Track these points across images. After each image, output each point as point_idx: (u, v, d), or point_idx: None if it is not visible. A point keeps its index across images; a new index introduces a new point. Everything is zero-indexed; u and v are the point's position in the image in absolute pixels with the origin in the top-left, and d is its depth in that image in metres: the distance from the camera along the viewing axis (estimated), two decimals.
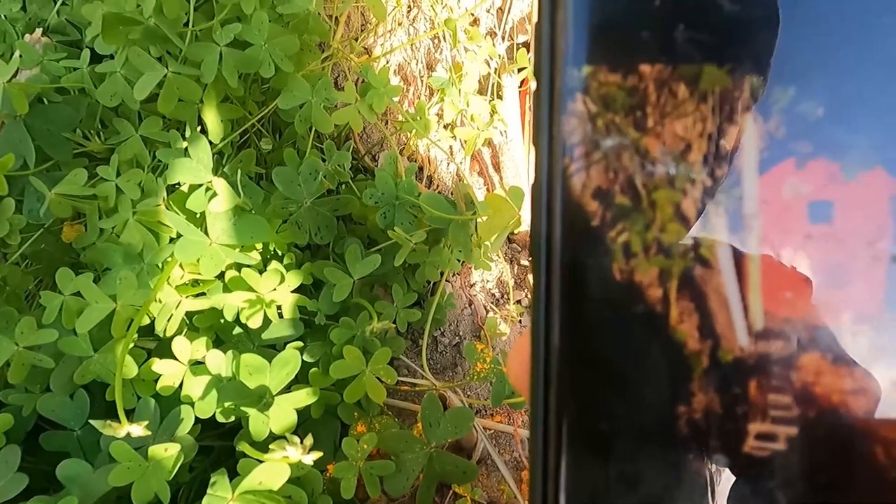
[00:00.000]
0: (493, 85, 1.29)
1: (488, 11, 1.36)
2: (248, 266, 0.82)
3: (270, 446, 0.67)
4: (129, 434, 0.66)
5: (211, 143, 0.83)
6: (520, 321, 1.23)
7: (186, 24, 0.82)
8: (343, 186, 0.97)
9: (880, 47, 0.24)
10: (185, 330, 0.82)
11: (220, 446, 0.85)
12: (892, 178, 0.24)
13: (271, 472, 0.68)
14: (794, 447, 0.24)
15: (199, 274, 0.80)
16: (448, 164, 1.27)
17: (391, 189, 0.91)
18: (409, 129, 1.10)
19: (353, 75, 1.14)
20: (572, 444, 0.25)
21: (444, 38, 1.28)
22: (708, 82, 0.25)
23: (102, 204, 0.81)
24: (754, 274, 0.25)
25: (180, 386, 0.77)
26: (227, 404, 0.75)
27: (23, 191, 0.84)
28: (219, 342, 0.85)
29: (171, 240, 0.81)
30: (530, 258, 0.26)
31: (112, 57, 0.85)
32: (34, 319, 0.75)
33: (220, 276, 0.82)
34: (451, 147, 1.26)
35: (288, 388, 0.77)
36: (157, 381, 0.76)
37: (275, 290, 0.83)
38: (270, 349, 0.85)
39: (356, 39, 1.16)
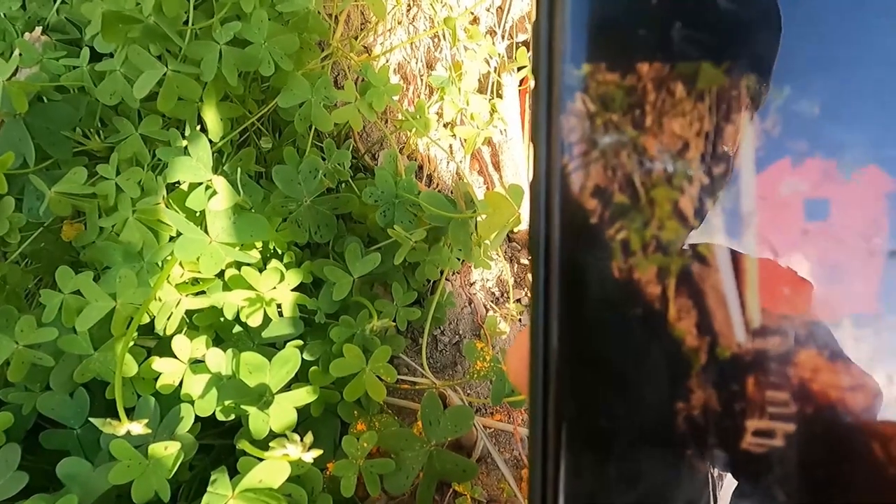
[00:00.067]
0: (492, 83, 1.29)
1: (488, 10, 1.36)
2: (248, 264, 0.82)
3: (270, 444, 0.67)
4: (129, 432, 0.66)
5: (211, 141, 0.83)
6: (519, 320, 1.23)
7: (186, 23, 0.82)
8: (343, 185, 0.97)
9: (876, 46, 0.24)
10: (185, 328, 0.83)
11: (221, 445, 0.85)
12: (886, 176, 0.24)
13: (271, 470, 0.68)
14: (791, 444, 0.24)
15: (199, 272, 0.80)
16: (448, 162, 1.27)
17: (391, 187, 0.91)
18: (408, 128, 1.10)
19: (352, 74, 1.14)
20: (572, 442, 0.25)
21: (444, 36, 1.28)
22: (705, 81, 0.25)
23: (102, 202, 0.81)
24: (752, 272, 0.25)
25: (180, 384, 0.77)
26: (226, 402, 0.75)
27: (22, 189, 0.84)
28: (219, 341, 0.85)
29: (171, 238, 0.82)
30: (529, 256, 0.27)
31: (111, 55, 0.85)
32: (34, 318, 0.75)
33: (220, 274, 0.82)
34: (450, 146, 1.26)
35: (288, 387, 0.77)
36: (156, 379, 0.77)
37: (275, 288, 0.83)
38: (270, 348, 0.85)
39: (356, 38, 1.16)
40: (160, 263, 0.80)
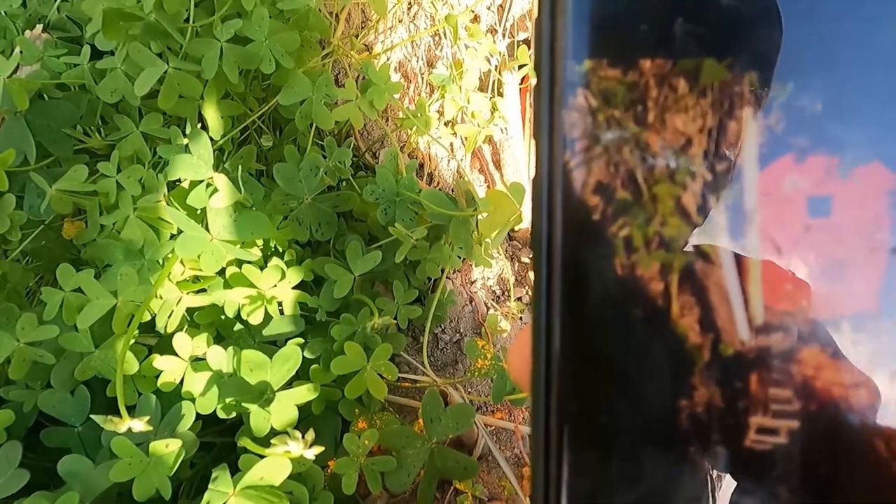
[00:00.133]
0: (493, 82, 1.29)
1: (489, 8, 1.36)
2: (249, 262, 0.82)
3: (272, 441, 0.67)
4: (130, 429, 0.66)
5: (211, 139, 0.83)
6: (520, 318, 1.23)
7: (187, 20, 0.82)
8: (344, 183, 0.97)
9: (880, 42, 0.24)
10: (186, 326, 0.83)
11: (221, 443, 0.85)
12: (889, 173, 0.24)
13: (273, 467, 0.68)
14: (795, 441, 0.24)
15: (200, 270, 0.80)
16: (449, 161, 1.27)
17: (392, 186, 0.91)
18: (409, 126, 1.10)
19: (353, 72, 1.14)
20: (574, 440, 0.25)
21: (445, 34, 1.28)
22: (708, 77, 0.25)
23: (103, 200, 0.81)
24: (754, 269, 0.25)
25: (181, 382, 0.77)
26: (228, 400, 0.75)
27: (23, 187, 0.84)
28: (219, 338, 0.85)
29: (172, 236, 0.82)
30: (531, 253, 0.27)
31: (112, 53, 0.85)
32: (35, 316, 0.75)
33: (221, 272, 0.82)
34: (451, 144, 1.26)
35: (289, 385, 0.77)
36: (157, 377, 0.77)
37: (275, 286, 0.83)
38: (271, 345, 0.85)
39: (356, 36, 1.16)
40: (161, 261, 0.80)
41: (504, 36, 1.35)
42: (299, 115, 0.89)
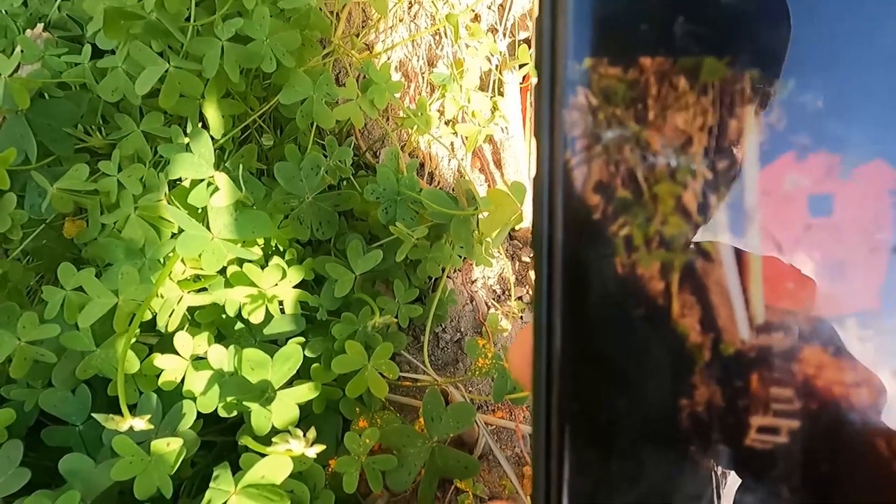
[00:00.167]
0: (494, 81, 1.29)
1: (489, 8, 1.36)
2: (250, 261, 0.82)
3: (273, 439, 0.67)
4: (131, 428, 0.67)
5: (212, 138, 0.83)
6: (521, 317, 1.23)
7: (188, 19, 0.82)
8: (344, 182, 0.97)
9: (880, 40, 0.24)
10: (187, 325, 0.83)
11: (222, 442, 0.85)
12: (891, 171, 0.24)
13: (274, 465, 0.68)
14: (795, 440, 0.24)
15: (201, 269, 0.80)
16: (449, 160, 1.27)
17: (393, 185, 0.92)
18: (410, 126, 1.10)
19: (354, 71, 1.14)
20: (575, 439, 0.25)
21: (446, 34, 1.28)
22: (708, 75, 0.25)
23: (104, 199, 0.81)
24: (756, 269, 0.25)
25: (182, 381, 0.77)
26: (229, 399, 0.75)
27: (24, 186, 0.84)
28: (220, 337, 0.85)
29: (173, 235, 0.82)
30: (532, 252, 0.26)
31: (113, 52, 0.85)
32: (36, 314, 0.75)
33: (222, 271, 0.82)
34: (452, 143, 1.26)
35: (290, 384, 0.77)
36: (158, 376, 0.77)
37: (276, 285, 0.83)
38: (272, 344, 0.85)
39: (357, 35, 1.16)
40: (162, 260, 0.81)
41: (505, 35, 1.35)
42: (300, 114, 0.89)
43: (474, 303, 1.21)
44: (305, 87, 0.88)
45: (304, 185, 0.86)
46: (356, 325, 0.86)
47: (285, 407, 0.75)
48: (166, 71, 0.80)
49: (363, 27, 1.21)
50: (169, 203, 0.80)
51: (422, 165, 1.23)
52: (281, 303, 0.85)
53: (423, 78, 1.28)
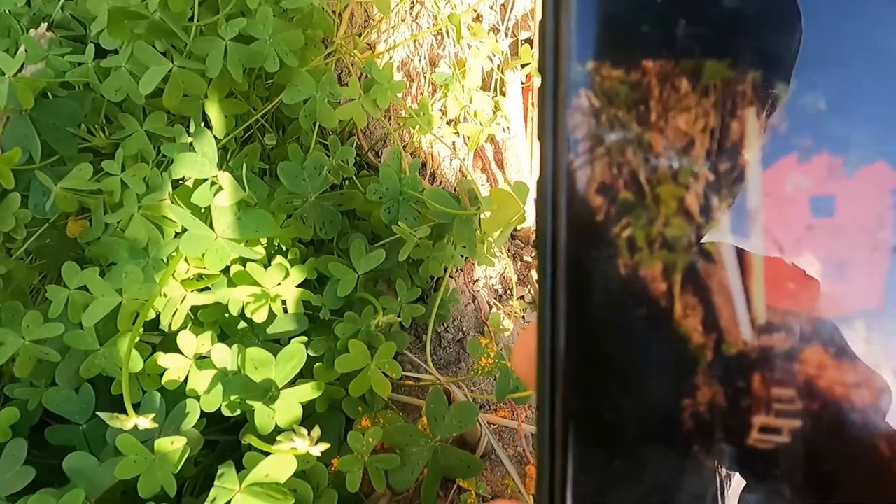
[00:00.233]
0: (496, 81, 1.29)
1: (491, 7, 1.36)
2: (253, 261, 0.82)
3: (278, 438, 0.67)
4: (135, 427, 0.67)
5: (215, 138, 0.83)
6: (523, 317, 1.24)
7: (191, 19, 0.82)
8: (347, 182, 0.97)
9: (883, 41, 0.24)
10: (190, 324, 0.83)
11: (225, 441, 0.85)
12: (893, 172, 0.24)
13: (278, 464, 0.68)
14: (797, 440, 0.24)
15: (205, 268, 0.80)
16: (451, 160, 1.27)
17: (395, 184, 0.92)
18: (412, 125, 1.10)
19: (356, 71, 1.14)
20: (579, 439, 0.25)
21: (448, 34, 1.28)
22: (711, 76, 0.25)
23: (108, 198, 0.82)
24: (758, 268, 0.25)
25: (185, 380, 0.77)
26: (232, 398, 0.75)
27: (28, 185, 0.84)
28: (223, 337, 0.85)
29: (176, 234, 0.82)
30: (536, 252, 0.27)
31: (117, 52, 0.85)
32: (40, 314, 0.75)
33: (225, 270, 0.82)
34: (454, 143, 1.26)
35: (293, 383, 0.77)
36: (162, 375, 0.77)
37: (279, 284, 0.83)
38: (274, 344, 0.85)
39: (359, 35, 1.16)
40: (165, 259, 0.81)
41: (507, 35, 1.35)
42: (303, 114, 0.89)
43: (476, 302, 1.21)
44: (308, 87, 0.89)
45: (308, 185, 0.87)
46: (359, 324, 0.86)
47: (289, 406, 0.75)
48: (170, 70, 0.81)
49: (365, 27, 1.21)
50: (172, 202, 0.80)
51: (424, 165, 1.23)
52: (284, 302, 0.85)
53: (425, 78, 1.28)
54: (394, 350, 0.84)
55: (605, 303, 0.26)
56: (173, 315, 0.78)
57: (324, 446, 0.67)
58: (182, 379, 0.77)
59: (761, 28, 0.25)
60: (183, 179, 0.82)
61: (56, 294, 0.76)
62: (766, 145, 0.25)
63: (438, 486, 0.85)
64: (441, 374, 1.07)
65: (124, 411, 0.68)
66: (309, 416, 0.83)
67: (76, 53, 0.90)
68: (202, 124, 0.85)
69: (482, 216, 0.92)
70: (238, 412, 0.76)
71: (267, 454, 0.69)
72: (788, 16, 0.24)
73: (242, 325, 0.86)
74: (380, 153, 1.21)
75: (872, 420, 0.24)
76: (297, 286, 0.85)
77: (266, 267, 0.83)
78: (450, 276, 1.14)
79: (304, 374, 0.81)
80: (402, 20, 1.26)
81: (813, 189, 0.24)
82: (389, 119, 1.21)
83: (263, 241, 0.87)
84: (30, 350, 0.74)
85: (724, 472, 0.25)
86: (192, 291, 0.80)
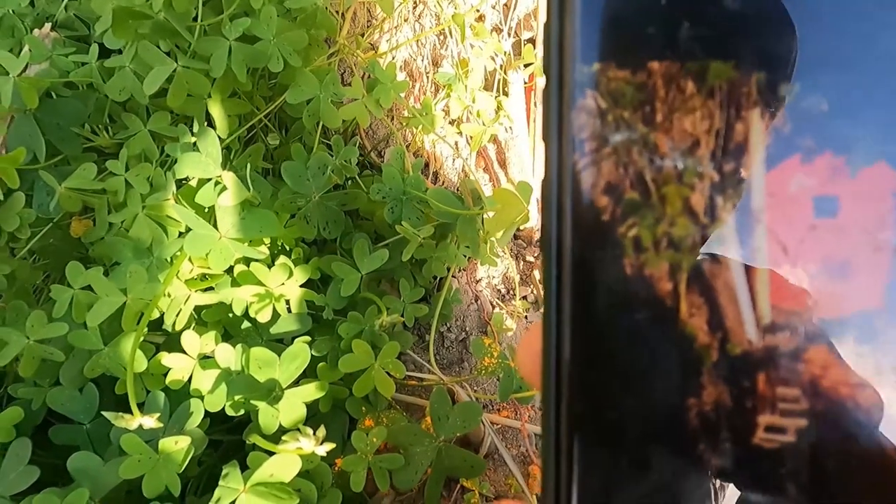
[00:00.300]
0: (498, 81, 1.29)
1: (494, 7, 1.36)
2: (257, 260, 0.82)
3: (283, 437, 0.67)
4: (140, 426, 0.67)
5: (218, 137, 0.83)
6: (525, 317, 1.24)
7: (195, 19, 0.82)
8: (350, 182, 0.97)
9: (885, 42, 0.24)
10: (194, 324, 0.83)
11: (229, 441, 0.85)
12: (895, 173, 0.24)
13: (283, 464, 0.68)
14: (802, 439, 0.25)
15: (208, 268, 0.80)
16: (454, 159, 1.27)
17: (399, 184, 0.92)
18: (415, 125, 1.10)
19: (359, 71, 1.14)
20: (585, 439, 0.26)
21: (451, 33, 1.28)
22: (716, 78, 0.25)
23: (112, 198, 0.82)
24: (761, 270, 0.25)
25: (189, 380, 0.77)
26: (236, 398, 0.75)
27: (32, 185, 0.84)
28: (227, 336, 0.85)
29: (180, 234, 0.82)
30: (541, 252, 0.27)
31: (120, 52, 0.85)
32: (44, 313, 0.75)
33: (229, 270, 0.82)
34: (456, 143, 1.26)
35: (296, 382, 0.77)
36: (166, 375, 0.77)
37: (283, 284, 0.83)
38: (278, 344, 0.85)
39: (362, 35, 1.16)
40: (169, 259, 0.81)
41: (509, 35, 1.35)
42: (307, 114, 0.89)
43: (479, 302, 1.21)
44: (312, 87, 0.89)
45: (311, 185, 0.87)
46: (362, 324, 0.86)
47: (292, 406, 0.75)
48: (174, 70, 0.81)
49: (368, 27, 1.21)
50: (176, 202, 0.80)
51: (426, 165, 1.23)
52: (287, 302, 0.85)
53: (427, 77, 1.28)
54: (397, 350, 0.84)
55: (610, 302, 0.26)
56: (177, 315, 0.78)
57: (329, 446, 0.67)
58: (186, 379, 0.77)
59: (760, 29, 0.25)
60: (187, 179, 0.82)
61: (60, 294, 0.76)
62: (770, 146, 0.25)
63: (442, 485, 0.85)
64: (444, 373, 1.07)
65: (128, 411, 0.68)
66: (312, 415, 0.83)
67: (80, 53, 0.90)
68: (206, 124, 0.85)
69: (485, 216, 0.92)
70: (242, 412, 0.76)
71: (271, 454, 0.69)
72: (779, 16, 0.25)
73: (246, 324, 0.86)
74: (382, 153, 1.21)
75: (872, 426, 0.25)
76: (301, 286, 0.85)
77: (270, 267, 0.83)
78: (452, 276, 1.14)
79: (308, 374, 0.81)
80: (405, 20, 1.26)
81: (816, 189, 0.24)
82: (392, 119, 1.21)
83: (267, 240, 0.87)
84: (34, 349, 0.75)
85: (717, 483, 0.25)
86: (195, 291, 0.80)
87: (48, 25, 0.98)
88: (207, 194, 0.80)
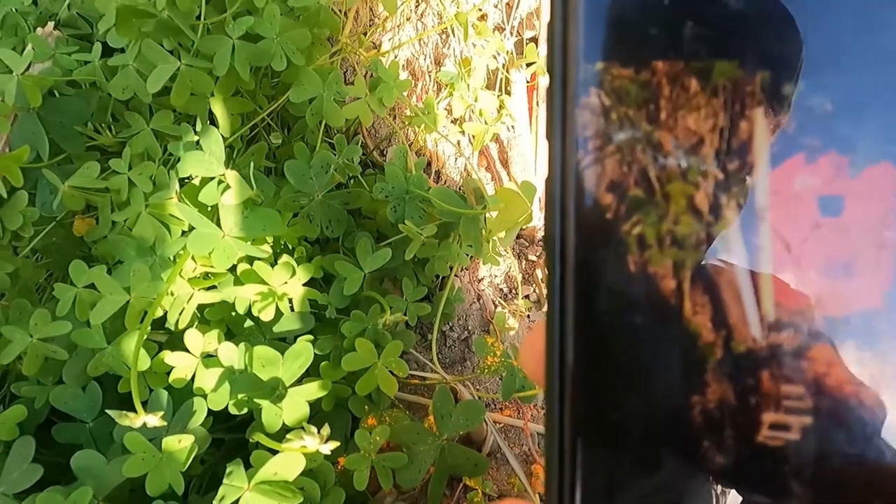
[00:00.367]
0: (501, 80, 1.29)
1: (496, 6, 1.36)
2: (260, 259, 0.82)
3: (288, 436, 0.67)
4: (143, 425, 0.67)
5: (222, 136, 0.83)
6: (528, 316, 1.24)
7: (199, 17, 0.82)
8: (352, 181, 0.97)
9: (888, 41, 0.24)
10: (197, 323, 0.83)
11: (232, 439, 0.85)
12: None
13: (286, 462, 0.68)
14: (807, 437, 0.25)
15: (211, 267, 0.80)
16: (456, 159, 1.27)
17: (401, 183, 0.92)
18: (417, 124, 1.10)
19: (361, 70, 1.14)
20: (588, 437, 0.26)
21: (453, 32, 1.28)
22: (720, 77, 0.25)
23: (115, 197, 0.82)
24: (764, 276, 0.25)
25: (192, 378, 0.77)
26: (240, 396, 0.75)
27: (35, 184, 0.85)
28: (230, 335, 0.85)
29: (183, 232, 0.82)
30: (544, 249, 0.27)
31: (123, 50, 0.85)
32: (48, 311, 0.75)
33: (232, 269, 0.82)
34: (458, 142, 1.26)
35: (299, 381, 0.77)
36: (169, 373, 0.77)
37: (286, 283, 0.83)
38: (281, 342, 0.85)
39: (364, 34, 1.16)
40: (172, 258, 0.81)
41: (511, 34, 1.35)
42: (310, 113, 0.89)
43: (481, 301, 1.21)
44: (315, 86, 0.89)
45: (314, 183, 0.87)
46: (365, 322, 0.86)
47: (296, 404, 0.75)
48: (177, 69, 0.81)
49: (370, 25, 1.21)
50: (179, 201, 0.81)
51: (429, 164, 1.23)
52: (290, 300, 0.85)
53: (430, 76, 1.28)
54: (401, 348, 0.84)
55: (614, 301, 0.26)
56: (180, 313, 0.79)
57: (334, 444, 0.67)
58: (189, 377, 0.77)
59: (763, 28, 0.25)
60: (190, 178, 0.83)
61: (63, 292, 0.76)
62: (775, 144, 0.25)
63: (445, 484, 0.85)
64: (447, 372, 1.07)
65: (131, 409, 0.68)
66: (315, 414, 0.83)
67: (83, 52, 0.90)
68: (209, 123, 0.85)
69: (488, 215, 0.92)
70: (245, 410, 0.76)
71: (275, 452, 0.69)
72: (781, 15, 0.25)
73: (249, 323, 0.86)
74: (385, 152, 1.21)
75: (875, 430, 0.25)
76: (304, 285, 0.85)
77: (272, 265, 0.83)
78: (455, 275, 1.14)
79: (311, 373, 0.81)
80: (408, 19, 1.26)
81: (821, 189, 0.24)
82: (395, 118, 1.21)
83: (270, 239, 0.87)
84: (37, 348, 0.75)
85: (719, 489, 0.25)
86: (198, 290, 0.80)
87: (51, 24, 0.98)
88: (210, 193, 0.80)
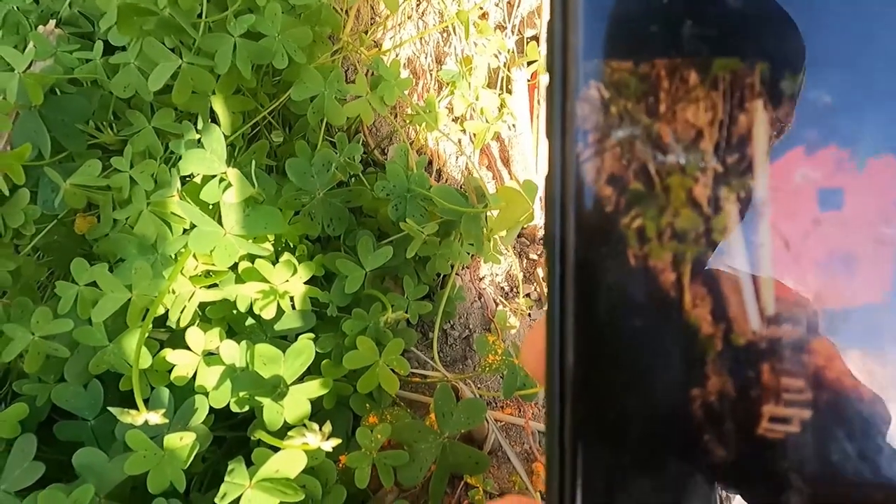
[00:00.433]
0: (502, 78, 1.29)
1: (497, 5, 1.36)
2: (262, 257, 0.83)
3: (290, 433, 0.67)
4: (145, 422, 0.67)
5: (223, 134, 0.83)
6: (529, 314, 1.24)
7: (200, 15, 0.82)
8: (353, 179, 0.97)
9: (890, 34, 0.24)
10: (198, 321, 0.83)
11: (233, 437, 0.85)
12: None
13: (288, 459, 0.68)
14: (807, 430, 0.25)
15: (213, 265, 0.80)
16: (457, 157, 1.27)
17: (403, 181, 0.92)
18: (418, 123, 1.10)
19: (362, 68, 1.14)
20: (589, 435, 0.26)
21: (454, 31, 1.28)
22: (719, 70, 0.25)
23: (116, 195, 0.82)
24: (765, 272, 0.25)
25: (194, 376, 0.77)
26: (241, 394, 0.76)
27: (37, 182, 0.85)
28: (231, 333, 0.85)
29: (185, 231, 0.82)
30: (544, 247, 0.27)
31: (125, 49, 0.85)
32: (49, 309, 0.75)
33: (233, 267, 0.82)
34: (459, 140, 1.26)
35: (301, 379, 0.77)
36: (170, 371, 0.77)
37: (287, 281, 0.83)
38: (282, 340, 0.85)
39: (366, 32, 1.16)
40: (174, 256, 0.81)
41: (513, 32, 1.35)
42: (311, 111, 0.89)
43: (482, 299, 1.22)
44: (317, 84, 0.89)
45: (315, 182, 0.87)
46: (367, 321, 0.86)
47: (297, 402, 0.76)
48: (179, 67, 0.81)
49: (371, 24, 1.21)
50: (181, 199, 0.81)
51: (430, 162, 1.23)
52: (292, 299, 0.85)
53: (431, 75, 1.28)
54: (402, 347, 0.84)
55: (614, 298, 0.26)
56: (182, 311, 0.79)
57: (335, 442, 0.67)
58: (190, 375, 0.77)
59: (764, 25, 0.25)
60: (191, 176, 0.83)
61: (65, 290, 0.76)
62: (774, 138, 0.25)
63: (446, 482, 0.85)
64: (448, 371, 1.07)
65: (133, 407, 0.68)
66: (316, 412, 0.83)
67: (84, 50, 0.90)
68: (210, 121, 0.85)
69: (489, 213, 0.92)
70: (246, 408, 0.76)
71: (276, 450, 0.69)
72: (778, 12, 0.25)
73: (250, 321, 0.86)
74: (386, 150, 1.21)
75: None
76: (305, 283, 0.85)
77: (274, 263, 0.83)
78: (456, 274, 1.14)
79: (312, 371, 0.81)
80: (409, 17, 1.26)
81: (821, 182, 0.24)
82: (396, 116, 1.21)
83: (271, 237, 0.87)
84: (39, 346, 0.75)
85: (723, 493, 0.25)
86: (200, 288, 0.80)
87: (53, 22, 0.98)
88: (212, 191, 0.80)
